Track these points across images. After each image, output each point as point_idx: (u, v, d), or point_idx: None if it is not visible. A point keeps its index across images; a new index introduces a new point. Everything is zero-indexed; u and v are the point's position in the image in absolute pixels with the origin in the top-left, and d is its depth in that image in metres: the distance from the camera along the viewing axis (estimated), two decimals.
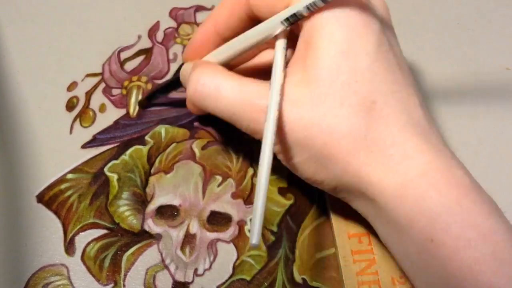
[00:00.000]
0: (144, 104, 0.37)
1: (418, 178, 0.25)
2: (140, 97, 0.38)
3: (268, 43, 0.30)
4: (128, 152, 0.36)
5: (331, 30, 0.26)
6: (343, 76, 0.25)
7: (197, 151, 0.36)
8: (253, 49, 0.30)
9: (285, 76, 0.27)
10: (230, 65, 0.33)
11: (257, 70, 0.34)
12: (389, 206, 0.25)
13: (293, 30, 0.29)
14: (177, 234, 0.33)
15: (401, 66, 0.27)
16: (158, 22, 0.42)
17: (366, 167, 0.26)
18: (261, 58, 0.34)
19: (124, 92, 0.38)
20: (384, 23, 0.28)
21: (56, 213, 0.33)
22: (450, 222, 0.24)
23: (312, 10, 0.26)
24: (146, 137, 0.36)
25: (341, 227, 0.32)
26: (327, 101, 0.26)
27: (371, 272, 0.30)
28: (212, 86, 0.29)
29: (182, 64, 0.35)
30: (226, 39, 0.31)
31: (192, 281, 0.31)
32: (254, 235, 0.23)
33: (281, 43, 0.28)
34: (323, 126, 0.26)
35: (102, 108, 0.38)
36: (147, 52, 0.40)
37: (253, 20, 0.30)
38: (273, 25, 0.28)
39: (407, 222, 0.25)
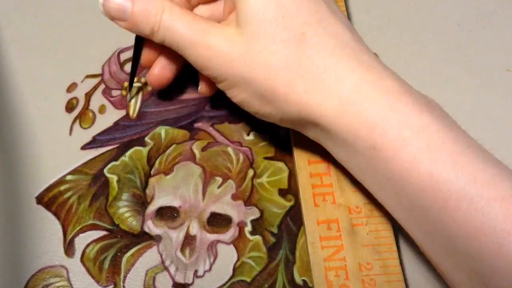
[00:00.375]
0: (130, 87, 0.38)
1: (353, 95, 0.27)
2: (140, 99, 0.38)
3: None
4: (128, 153, 0.36)
5: None
6: (270, 14, 0.28)
7: (197, 152, 0.36)
8: None
9: None
10: None
11: None
12: (332, 126, 0.28)
13: None
14: (177, 236, 0.33)
15: (327, 2, 0.29)
16: None
17: (305, 95, 0.28)
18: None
19: (124, 93, 0.39)
20: None
21: (55, 214, 0.34)
22: (387, 127, 0.26)
23: None
24: (146, 139, 0.37)
25: (311, 213, 0.32)
26: (261, 39, 0.28)
27: (338, 258, 0.31)
28: (168, 19, 0.30)
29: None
30: None
31: (192, 283, 0.32)
32: None
33: None
34: (261, 62, 0.28)
35: (102, 109, 0.38)
36: None
37: None
38: None
39: (350, 137, 0.27)
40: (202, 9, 0.35)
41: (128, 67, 0.40)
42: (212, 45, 0.29)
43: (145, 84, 0.39)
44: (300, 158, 0.34)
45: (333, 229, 0.32)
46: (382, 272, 0.30)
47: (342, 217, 0.32)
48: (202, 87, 0.35)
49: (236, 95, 0.30)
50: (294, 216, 0.34)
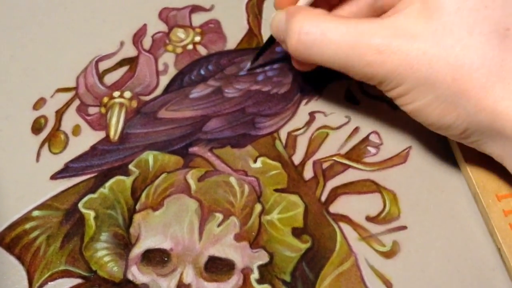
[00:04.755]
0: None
1: None
2: (122, 118, 0.39)
3: None
4: (108, 184, 0.37)
5: None
6: (469, 2, 0.28)
7: (192, 183, 0.37)
8: None
9: None
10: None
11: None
12: None
13: None
14: (167, 285, 0.34)
15: None
16: (145, 25, 0.44)
17: (504, 102, 0.28)
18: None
19: (103, 110, 0.39)
20: None
21: (19, 258, 0.34)
22: None
23: None
24: (130, 166, 0.37)
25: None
26: (454, 31, 0.28)
27: None
28: (318, 33, 0.31)
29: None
30: None
31: None
32: None
33: None
34: (451, 59, 0.28)
35: (76, 130, 0.39)
36: (131, 62, 0.42)
37: None
38: None
39: None
40: (345, 10, 0.36)
41: (108, 79, 0.41)
42: (381, 46, 0.29)
43: (130, 99, 0.40)
44: (485, 193, 0.34)
45: None
46: None
47: None
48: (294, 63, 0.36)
49: (411, 102, 0.31)
50: (311, 260, 0.34)
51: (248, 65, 0.41)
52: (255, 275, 0.34)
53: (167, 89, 0.40)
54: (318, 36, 0.31)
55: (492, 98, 0.28)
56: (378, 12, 0.36)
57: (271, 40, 0.38)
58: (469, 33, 0.28)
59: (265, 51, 0.40)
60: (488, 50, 0.28)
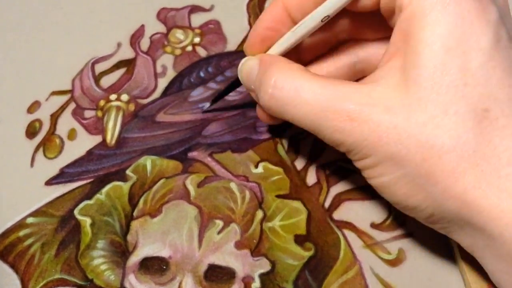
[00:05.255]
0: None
1: None
2: (119, 121, 0.39)
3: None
4: (105, 190, 0.37)
5: (436, 18, 0.27)
6: (449, 78, 0.27)
7: (191, 188, 0.37)
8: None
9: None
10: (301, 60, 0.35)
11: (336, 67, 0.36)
12: (505, 237, 0.26)
13: (385, 18, 0.30)
14: None
15: None
16: (142, 26, 0.44)
17: (475, 190, 0.27)
18: (338, 55, 0.36)
19: (100, 114, 0.39)
20: (502, 11, 0.29)
21: (13, 266, 0.34)
22: None
23: None
24: (127, 171, 0.37)
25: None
26: (428, 108, 0.27)
27: None
28: (292, 90, 0.30)
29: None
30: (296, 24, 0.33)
31: None
32: None
33: None
34: (422, 138, 0.27)
35: (72, 134, 0.39)
36: (128, 64, 0.42)
37: None
38: None
39: None
40: (323, 68, 0.35)
41: (105, 81, 0.41)
42: (353, 112, 0.28)
43: (127, 102, 0.40)
44: (475, 284, 0.33)
45: None
46: None
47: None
48: (261, 115, 0.35)
49: (378, 177, 0.29)
50: (314, 269, 0.34)
51: (206, 105, 0.40)
52: (256, 284, 0.34)
53: (165, 92, 0.40)
54: (292, 94, 0.30)
55: (461, 186, 0.27)
56: (357, 75, 0.35)
57: (236, 83, 0.36)
58: (444, 111, 0.27)
59: (227, 94, 0.38)
60: (462, 132, 0.26)
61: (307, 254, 0.35)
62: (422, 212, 0.29)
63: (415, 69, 0.27)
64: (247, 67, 0.34)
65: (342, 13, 0.31)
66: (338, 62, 0.35)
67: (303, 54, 0.35)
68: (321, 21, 0.31)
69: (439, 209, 0.28)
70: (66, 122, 0.39)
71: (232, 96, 0.39)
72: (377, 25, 0.32)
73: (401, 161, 0.28)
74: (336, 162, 0.37)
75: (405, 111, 0.27)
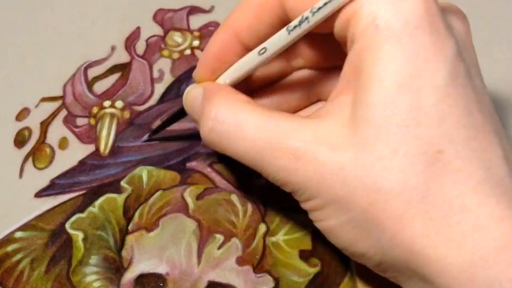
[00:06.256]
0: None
1: (495, 256, 0.24)
2: (114, 129, 0.39)
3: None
4: (98, 202, 0.36)
5: (389, 53, 0.26)
6: (399, 116, 0.26)
7: (190, 201, 0.37)
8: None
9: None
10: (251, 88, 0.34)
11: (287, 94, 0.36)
12: None
13: (339, 47, 0.30)
14: None
15: (482, 105, 0.28)
16: (138, 28, 0.44)
17: (423, 239, 0.26)
18: (289, 81, 0.36)
19: (93, 122, 0.39)
20: (462, 44, 0.28)
21: (1, 283, 0.34)
22: None
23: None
24: (122, 183, 0.37)
25: None
26: (376, 148, 0.26)
27: None
28: (233, 124, 0.30)
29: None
30: (250, 50, 0.32)
31: None
32: None
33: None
34: (369, 180, 0.26)
35: (63, 143, 0.39)
36: (123, 68, 0.42)
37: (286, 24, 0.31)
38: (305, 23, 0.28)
39: None
40: (275, 95, 0.35)
41: (98, 87, 0.41)
42: (298, 151, 0.28)
43: (122, 109, 0.39)
44: None
45: None
46: None
47: None
48: None
49: (324, 220, 0.29)
50: (320, 286, 0.34)
51: (146, 136, 0.39)
52: None
53: (162, 98, 0.40)
54: (233, 128, 0.30)
55: (409, 233, 0.26)
56: (312, 101, 0.35)
57: (182, 113, 0.36)
58: (393, 152, 0.26)
59: (170, 125, 0.38)
60: (412, 176, 0.26)
61: (313, 270, 0.35)
62: (370, 259, 0.28)
63: (364, 106, 0.26)
64: (191, 96, 0.33)
65: (299, 40, 0.30)
66: (292, 88, 0.35)
67: (254, 82, 0.35)
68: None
69: (387, 257, 0.27)
70: (57, 130, 0.39)
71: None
72: (334, 52, 0.32)
73: (347, 205, 0.27)
74: None
75: (352, 151, 0.27)
